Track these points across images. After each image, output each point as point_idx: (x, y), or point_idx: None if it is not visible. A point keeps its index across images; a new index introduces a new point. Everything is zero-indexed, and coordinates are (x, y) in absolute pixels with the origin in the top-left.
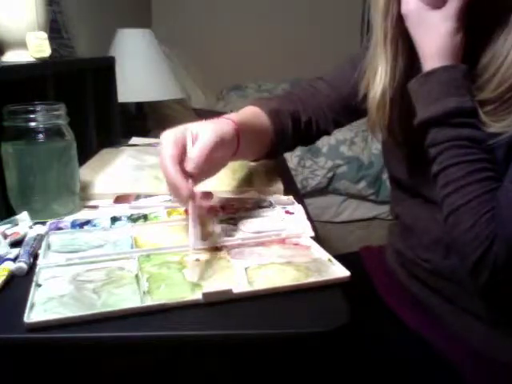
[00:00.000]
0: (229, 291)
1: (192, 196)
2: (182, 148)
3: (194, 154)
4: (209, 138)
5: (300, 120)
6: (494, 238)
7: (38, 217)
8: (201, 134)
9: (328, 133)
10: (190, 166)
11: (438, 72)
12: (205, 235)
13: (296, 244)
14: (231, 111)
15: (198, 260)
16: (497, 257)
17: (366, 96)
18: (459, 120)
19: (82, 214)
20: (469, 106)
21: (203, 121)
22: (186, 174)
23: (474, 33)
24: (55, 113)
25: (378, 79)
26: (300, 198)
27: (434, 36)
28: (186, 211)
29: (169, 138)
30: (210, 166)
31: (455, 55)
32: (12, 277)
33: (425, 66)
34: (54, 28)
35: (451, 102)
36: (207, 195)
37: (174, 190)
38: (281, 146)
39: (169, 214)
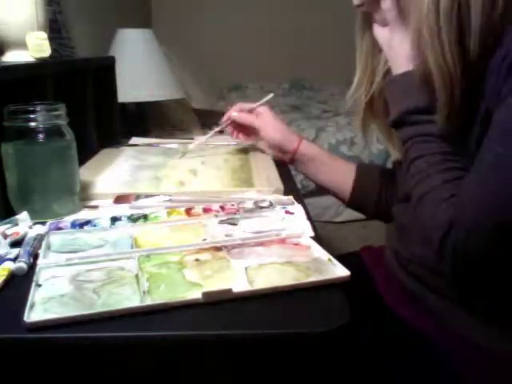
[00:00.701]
0: (228, 291)
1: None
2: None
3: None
4: (270, 137)
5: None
6: (451, 224)
7: (38, 217)
8: (265, 131)
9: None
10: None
11: (397, 78)
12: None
13: (296, 244)
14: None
15: (197, 260)
16: (456, 242)
17: None
18: (417, 117)
19: (82, 214)
20: (423, 105)
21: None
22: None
23: None
24: (55, 113)
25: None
26: (300, 198)
27: (393, 49)
28: (187, 211)
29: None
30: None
31: (413, 59)
32: (12, 277)
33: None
34: (54, 28)
35: (409, 102)
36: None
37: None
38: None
39: (169, 214)
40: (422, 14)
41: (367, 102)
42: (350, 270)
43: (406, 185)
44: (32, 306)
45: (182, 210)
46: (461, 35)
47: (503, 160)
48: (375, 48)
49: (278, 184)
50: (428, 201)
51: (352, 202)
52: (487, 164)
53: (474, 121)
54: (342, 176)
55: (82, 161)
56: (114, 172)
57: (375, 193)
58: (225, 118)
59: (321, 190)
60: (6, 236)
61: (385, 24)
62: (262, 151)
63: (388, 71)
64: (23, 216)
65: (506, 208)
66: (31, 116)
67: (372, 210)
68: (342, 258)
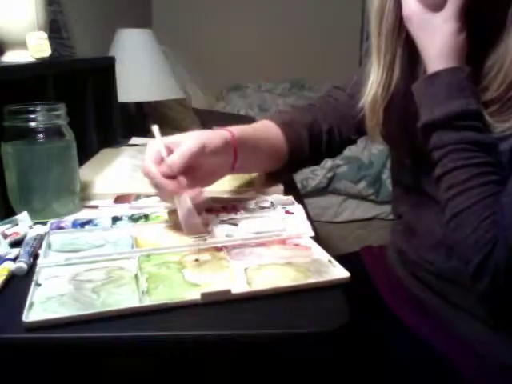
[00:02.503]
0: (227, 291)
1: (175, 191)
2: (168, 152)
3: (171, 158)
4: (189, 144)
5: (320, 130)
6: (496, 243)
7: (38, 217)
8: (184, 141)
9: (352, 141)
10: (164, 168)
11: (443, 74)
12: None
13: (296, 245)
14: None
15: (197, 260)
16: (498, 262)
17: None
18: (464, 123)
19: (82, 214)
20: (473, 109)
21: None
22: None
23: (477, 33)
24: (55, 113)
25: (369, 88)
26: (300, 197)
27: (437, 38)
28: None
29: (152, 144)
30: (201, 173)
31: (459, 56)
32: (12, 277)
33: (429, 68)
34: (54, 28)
35: (456, 105)
36: (196, 191)
37: (158, 188)
38: (298, 158)
39: (169, 214)
40: None
41: (387, 104)
42: (349, 270)
43: (418, 184)
44: (31, 305)
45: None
46: None
47: None
48: (394, 36)
49: (278, 184)
50: (468, 217)
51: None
52: None
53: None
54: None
55: (82, 161)
56: (114, 172)
57: (306, 137)
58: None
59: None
60: (6, 236)
61: (437, 9)
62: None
63: (407, 66)
64: (23, 216)
65: None
66: (31, 116)
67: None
68: (342, 258)
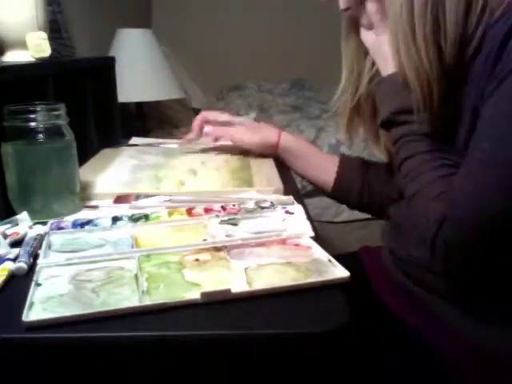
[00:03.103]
0: (227, 291)
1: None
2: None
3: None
4: (242, 139)
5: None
6: (443, 220)
7: (37, 217)
8: (242, 133)
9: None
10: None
11: (384, 80)
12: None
13: (296, 245)
14: None
15: (197, 260)
16: (447, 237)
17: None
18: (404, 117)
19: (82, 214)
20: (409, 104)
21: None
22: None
23: None
24: (55, 113)
25: (340, 91)
26: (300, 198)
27: (380, 52)
28: (188, 212)
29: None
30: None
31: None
32: (12, 277)
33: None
34: (54, 28)
35: (395, 103)
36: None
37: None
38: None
39: (170, 214)
40: (396, 12)
41: (354, 105)
42: (348, 269)
43: (399, 184)
44: (31, 305)
45: (183, 210)
46: (436, 36)
47: (491, 156)
48: (360, 52)
49: (278, 184)
50: (420, 198)
51: (335, 193)
52: (476, 161)
53: (461, 119)
54: (325, 167)
55: (82, 161)
56: (114, 172)
57: (358, 184)
58: (195, 130)
59: (305, 180)
60: (6, 236)
61: (371, 27)
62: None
63: (374, 75)
64: (23, 216)
65: (496, 203)
66: (31, 116)
67: (354, 201)
68: (340, 258)
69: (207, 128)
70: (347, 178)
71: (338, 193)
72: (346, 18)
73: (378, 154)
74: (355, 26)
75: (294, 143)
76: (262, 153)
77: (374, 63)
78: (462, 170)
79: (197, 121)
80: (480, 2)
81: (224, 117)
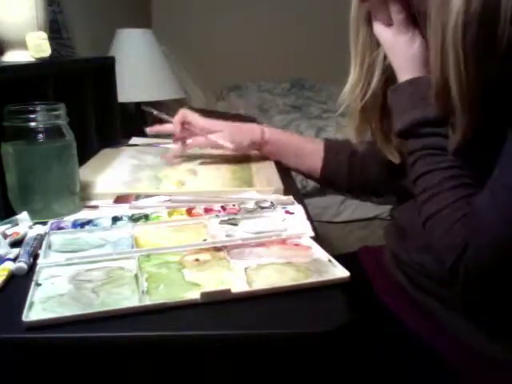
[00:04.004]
0: (227, 291)
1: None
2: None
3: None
4: (220, 137)
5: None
6: (466, 246)
7: (37, 217)
8: (218, 133)
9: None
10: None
11: (404, 86)
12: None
13: (297, 244)
14: None
15: (197, 260)
16: (468, 264)
17: None
18: (426, 130)
19: (82, 214)
20: (432, 116)
21: None
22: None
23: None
24: (55, 113)
25: (347, 90)
26: (300, 198)
27: (396, 52)
28: (188, 212)
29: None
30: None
31: (417, 65)
32: (12, 277)
33: (398, 79)
34: (54, 28)
35: (417, 114)
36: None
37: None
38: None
39: (170, 214)
40: (448, 29)
41: (364, 104)
42: (348, 269)
43: (405, 186)
44: (31, 305)
45: (183, 210)
46: (486, 49)
47: None
48: (372, 43)
49: (278, 184)
50: (440, 220)
51: (323, 179)
52: (504, 187)
53: (489, 138)
54: (312, 155)
55: (82, 161)
56: (114, 172)
57: (345, 167)
58: (176, 125)
59: (293, 171)
60: (6, 236)
61: (388, 24)
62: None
63: (388, 67)
64: (23, 216)
65: None
66: (31, 116)
67: (345, 185)
68: (340, 258)
69: (189, 141)
70: (334, 163)
71: (327, 179)
72: (358, 8)
73: (388, 155)
74: (367, 17)
75: (278, 135)
76: (248, 152)
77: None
78: (487, 193)
79: (178, 116)
80: None
81: (202, 122)
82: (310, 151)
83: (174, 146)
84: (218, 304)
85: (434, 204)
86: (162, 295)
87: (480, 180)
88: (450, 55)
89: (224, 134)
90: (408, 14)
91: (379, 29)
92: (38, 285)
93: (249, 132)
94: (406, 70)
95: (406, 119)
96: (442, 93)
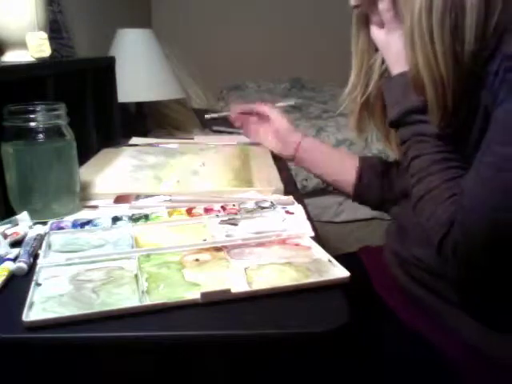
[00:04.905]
0: (227, 291)
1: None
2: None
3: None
4: (266, 141)
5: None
6: (453, 223)
7: (37, 217)
8: (266, 138)
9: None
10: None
11: (395, 79)
12: None
13: (297, 244)
14: None
15: (197, 260)
16: (456, 242)
17: None
18: (415, 117)
19: (82, 214)
20: (421, 105)
21: None
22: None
23: None
24: (55, 113)
25: (348, 88)
26: (300, 198)
27: (389, 49)
28: (188, 212)
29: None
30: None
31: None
32: (12, 277)
33: (391, 75)
34: (54, 28)
35: (407, 103)
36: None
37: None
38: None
39: (170, 214)
40: (414, 15)
41: (363, 102)
42: (348, 270)
43: (405, 184)
44: (31, 305)
45: (183, 210)
46: (454, 38)
47: (503, 161)
48: (371, 48)
49: (278, 184)
50: (428, 200)
51: (357, 196)
52: (488, 164)
53: (472, 122)
54: (345, 170)
55: (82, 161)
56: (114, 172)
57: (379, 185)
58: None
59: (327, 184)
60: (6, 236)
61: (382, 25)
62: (263, 148)
63: (385, 71)
64: (23, 216)
65: (506, 208)
66: (31, 116)
67: (376, 203)
68: (341, 258)
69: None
70: (367, 181)
71: (360, 196)
72: (356, 14)
73: (391, 151)
74: (365, 22)
75: (313, 145)
76: (279, 150)
77: (383, 59)
78: (472, 172)
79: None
80: (499, 6)
81: (262, 108)
82: (343, 165)
83: (175, 146)
84: (218, 304)
85: (422, 186)
86: (162, 295)
87: (469, 163)
88: (417, 41)
89: (268, 134)
90: (397, 11)
91: (374, 30)
92: (38, 285)
93: (287, 143)
94: (397, 64)
95: (396, 109)
96: (417, 81)
